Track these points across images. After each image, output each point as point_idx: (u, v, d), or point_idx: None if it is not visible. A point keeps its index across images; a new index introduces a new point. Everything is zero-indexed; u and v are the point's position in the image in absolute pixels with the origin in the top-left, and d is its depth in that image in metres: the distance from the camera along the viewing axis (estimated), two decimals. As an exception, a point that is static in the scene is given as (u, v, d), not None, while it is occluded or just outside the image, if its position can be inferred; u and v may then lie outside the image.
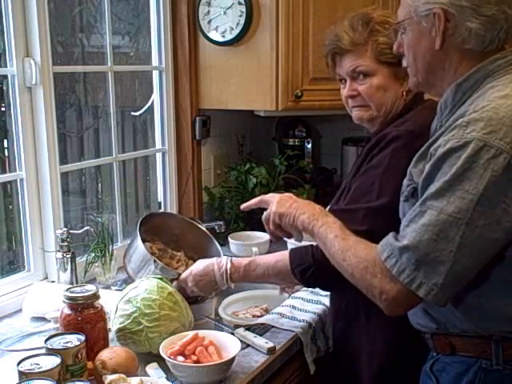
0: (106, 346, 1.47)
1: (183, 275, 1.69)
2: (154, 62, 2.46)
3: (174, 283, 1.67)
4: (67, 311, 1.45)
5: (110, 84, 2.22)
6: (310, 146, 2.88)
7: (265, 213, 1.48)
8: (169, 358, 1.38)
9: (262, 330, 1.67)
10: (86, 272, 2.02)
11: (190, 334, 1.45)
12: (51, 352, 1.31)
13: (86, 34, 2.24)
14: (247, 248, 2.28)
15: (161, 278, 1.59)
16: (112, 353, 1.38)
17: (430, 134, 1.33)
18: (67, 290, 1.48)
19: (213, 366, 1.37)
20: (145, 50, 2.47)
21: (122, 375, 1.30)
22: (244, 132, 2.90)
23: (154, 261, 1.71)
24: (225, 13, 2.31)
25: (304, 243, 1.54)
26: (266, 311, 1.86)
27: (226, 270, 1.63)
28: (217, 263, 1.66)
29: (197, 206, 2.57)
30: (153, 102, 2.50)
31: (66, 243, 1.90)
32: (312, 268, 1.50)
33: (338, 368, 1.70)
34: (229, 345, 1.45)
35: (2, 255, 1.99)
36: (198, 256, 1.85)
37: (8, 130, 1.92)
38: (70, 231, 1.93)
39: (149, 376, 1.40)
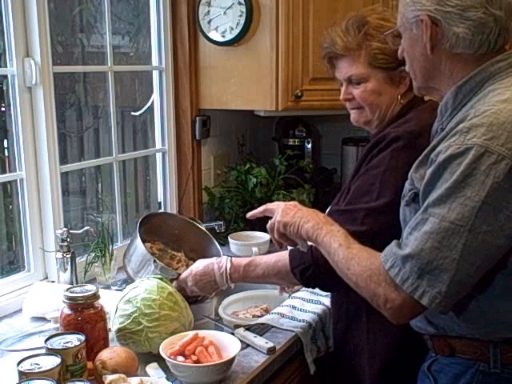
0: (106, 346, 1.47)
1: (183, 275, 1.69)
2: (154, 62, 2.46)
3: (174, 283, 1.67)
4: (67, 311, 1.45)
5: (110, 84, 2.22)
6: (309, 146, 2.87)
7: (270, 221, 1.48)
8: (169, 358, 1.38)
9: (261, 329, 1.67)
10: (86, 272, 2.02)
11: (190, 333, 1.45)
12: (51, 352, 1.31)
13: (86, 33, 2.24)
14: (247, 248, 2.28)
15: (161, 278, 1.59)
16: (112, 353, 1.38)
17: (431, 136, 1.33)
18: (67, 290, 1.48)
19: (213, 366, 1.37)
20: (145, 50, 2.47)
21: (122, 375, 1.30)
22: (244, 132, 2.90)
23: (154, 261, 1.71)
24: (225, 13, 2.31)
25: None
26: (266, 311, 1.86)
27: (226, 269, 1.63)
28: (217, 263, 1.66)
29: (197, 206, 2.57)
30: (153, 101, 2.50)
31: (66, 243, 1.90)
32: (311, 268, 1.49)
33: (339, 368, 1.70)
34: (229, 345, 1.45)
35: (2, 255, 1.99)
36: (198, 256, 1.85)
37: (8, 130, 1.92)
38: (70, 231, 1.93)
39: (149, 376, 1.40)
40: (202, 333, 1.47)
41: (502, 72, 1.19)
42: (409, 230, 1.17)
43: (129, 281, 1.79)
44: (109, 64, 2.22)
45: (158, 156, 2.54)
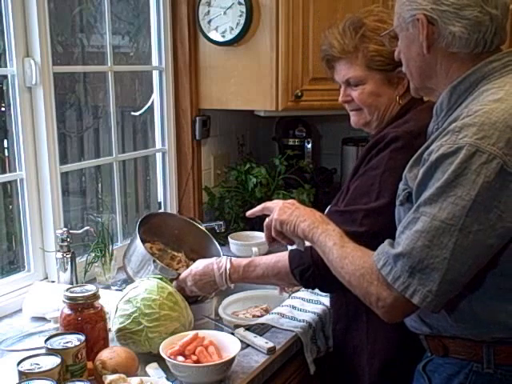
0: (106, 346, 1.47)
1: (182, 275, 1.69)
2: (154, 62, 2.46)
3: (174, 283, 1.67)
4: (67, 311, 1.45)
5: (110, 84, 2.22)
6: (309, 146, 2.87)
7: (267, 219, 1.49)
8: (169, 358, 1.38)
9: (261, 329, 1.67)
10: (86, 272, 2.02)
11: (190, 333, 1.45)
12: (51, 352, 1.31)
13: (86, 33, 2.24)
14: (247, 248, 2.28)
15: (161, 278, 1.59)
16: (112, 353, 1.38)
17: (427, 137, 1.33)
18: (67, 290, 1.48)
19: (213, 366, 1.37)
20: (145, 50, 2.47)
21: (122, 375, 1.30)
22: (244, 132, 2.90)
23: (154, 261, 1.71)
24: (225, 13, 2.31)
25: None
26: (266, 311, 1.86)
27: (226, 270, 1.63)
28: (216, 263, 1.66)
29: (197, 206, 2.57)
30: (153, 101, 2.50)
31: (66, 243, 1.90)
32: (311, 269, 1.49)
33: (339, 368, 1.70)
34: (229, 345, 1.45)
35: (2, 255, 1.99)
36: (198, 256, 1.85)
37: (8, 130, 1.92)
38: (70, 231, 1.93)
39: (149, 376, 1.40)
40: (201, 333, 1.47)
41: (496, 72, 1.20)
42: (401, 229, 1.17)
43: (129, 281, 1.79)
44: (109, 64, 2.22)
45: (158, 156, 2.54)
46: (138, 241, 1.75)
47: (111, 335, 1.53)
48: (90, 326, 1.44)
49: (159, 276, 1.61)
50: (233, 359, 1.41)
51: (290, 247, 1.52)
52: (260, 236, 2.39)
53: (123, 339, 1.51)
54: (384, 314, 1.20)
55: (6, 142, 1.96)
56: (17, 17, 1.82)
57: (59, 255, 1.91)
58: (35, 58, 1.86)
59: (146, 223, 1.86)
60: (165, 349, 1.41)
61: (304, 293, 1.91)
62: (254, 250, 2.23)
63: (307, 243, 1.44)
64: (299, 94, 2.32)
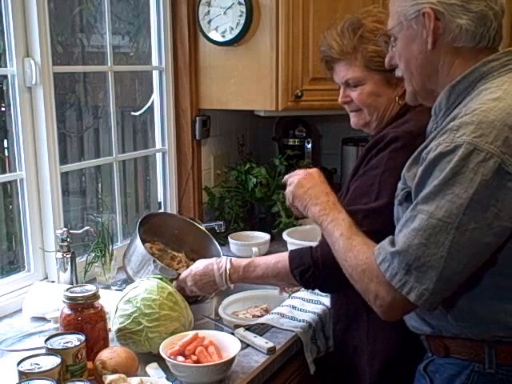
0: (106, 346, 1.47)
1: (182, 275, 1.69)
2: (154, 62, 2.46)
3: (174, 283, 1.67)
4: (67, 311, 1.45)
5: (110, 84, 2.22)
6: (309, 146, 2.87)
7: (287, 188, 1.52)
8: (169, 358, 1.38)
9: (261, 330, 1.67)
10: (86, 272, 2.02)
11: (190, 333, 1.45)
12: (51, 352, 1.31)
13: (86, 33, 2.24)
14: (247, 248, 2.28)
15: (161, 278, 1.59)
16: (112, 353, 1.38)
17: (426, 136, 1.33)
18: (67, 290, 1.48)
19: (213, 366, 1.37)
20: (145, 50, 2.47)
21: (122, 375, 1.30)
22: (244, 132, 2.90)
23: (154, 261, 1.71)
24: (225, 13, 2.31)
25: (304, 244, 1.54)
26: (266, 311, 1.86)
27: (226, 270, 1.63)
28: (216, 263, 1.66)
29: (197, 206, 2.57)
30: (153, 101, 2.50)
31: (66, 243, 1.90)
32: (311, 269, 1.49)
33: (339, 368, 1.70)
34: (229, 345, 1.45)
35: (2, 255, 1.99)
36: (198, 256, 1.85)
37: (8, 130, 1.92)
38: (70, 231, 1.93)
39: (149, 376, 1.40)
40: (202, 333, 1.47)
41: (495, 71, 1.20)
42: (399, 227, 1.18)
43: (129, 281, 1.79)
44: (109, 64, 2.22)
45: (158, 156, 2.54)
46: (138, 241, 1.75)
47: (111, 335, 1.53)
48: (90, 326, 1.44)
49: (159, 276, 1.61)
50: (233, 359, 1.41)
51: (289, 247, 1.53)
52: (260, 236, 2.39)
53: (123, 339, 1.51)
54: (382, 312, 1.20)
55: (6, 141, 1.96)
56: (17, 17, 1.82)
57: (59, 255, 1.91)
58: (35, 58, 1.86)
59: (146, 223, 1.86)
60: (165, 349, 1.41)
61: (304, 293, 1.91)
62: (254, 250, 2.23)
63: (305, 240, 1.44)
64: (299, 93, 2.32)
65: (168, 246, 1.92)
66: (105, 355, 1.38)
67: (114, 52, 2.24)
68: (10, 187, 1.98)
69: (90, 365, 1.38)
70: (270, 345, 1.56)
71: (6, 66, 1.85)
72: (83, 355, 1.35)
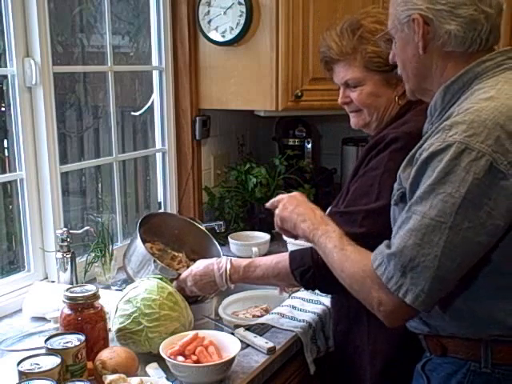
0: (106, 346, 1.47)
1: (183, 275, 1.69)
2: (154, 62, 2.46)
3: (174, 283, 1.67)
4: (67, 311, 1.45)
5: (110, 84, 2.22)
6: (309, 146, 2.87)
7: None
8: (169, 358, 1.38)
9: (261, 330, 1.67)
10: (86, 272, 2.02)
11: (190, 333, 1.45)
12: (51, 352, 1.31)
13: (86, 33, 2.24)
14: (247, 248, 2.28)
15: (161, 278, 1.59)
16: (112, 353, 1.38)
17: (422, 137, 1.34)
18: (67, 290, 1.48)
19: (213, 366, 1.37)
20: (145, 50, 2.47)
21: (122, 375, 1.30)
22: (244, 132, 2.90)
23: (154, 261, 1.71)
24: (225, 13, 2.31)
25: (304, 244, 1.54)
26: (266, 311, 1.86)
27: (226, 270, 1.63)
28: (216, 263, 1.66)
29: (197, 206, 2.57)
30: (153, 101, 2.50)
31: (66, 243, 1.90)
32: (312, 270, 1.50)
33: (339, 368, 1.70)
34: (229, 345, 1.45)
35: (2, 255, 1.99)
36: (198, 256, 1.85)
37: (8, 129, 1.92)
38: (70, 231, 1.93)
39: (149, 376, 1.40)
40: (202, 333, 1.47)
41: (489, 71, 1.21)
42: (396, 229, 1.18)
43: (129, 281, 1.79)
44: (109, 64, 2.22)
45: (158, 156, 2.54)
46: (139, 241, 1.75)
47: (111, 335, 1.53)
48: (90, 326, 1.44)
49: (159, 276, 1.61)
50: (233, 359, 1.41)
51: (290, 247, 1.53)
52: (260, 236, 2.39)
53: (123, 339, 1.51)
54: (384, 318, 1.20)
55: (6, 141, 1.96)
56: (17, 17, 1.82)
57: (59, 255, 1.91)
58: (35, 58, 1.86)
59: (146, 223, 1.86)
60: (165, 349, 1.41)
61: (304, 293, 1.91)
62: (254, 250, 2.23)
63: (307, 244, 1.44)
64: (299, 93, 2.32)
65: (168, 246, 1.92)
66: (105, 355, 1.38)
67: (114, 52, 2.24)
68: (10, 187, 1.98)
69: (90, 365, 1.38)
70: (270, 345, 1.56)
71: (6, 66, 1.85)
72: (83, 355, 1.35)
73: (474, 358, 1.23)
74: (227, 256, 1.75)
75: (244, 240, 2.37)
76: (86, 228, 2.03)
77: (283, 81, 2.30)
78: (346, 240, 1.31)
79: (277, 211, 1.48)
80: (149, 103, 2.50)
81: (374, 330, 1.55)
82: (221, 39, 2.36)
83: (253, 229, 2.51)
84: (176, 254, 1.91)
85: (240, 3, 2.27)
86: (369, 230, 1.43)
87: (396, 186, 1.28)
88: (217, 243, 1.95)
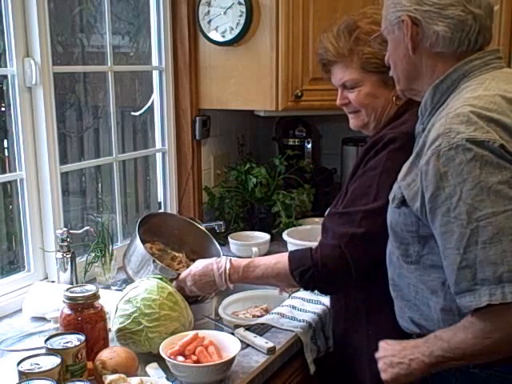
0: (106, 346, 1.47)
1: (182, 275, 1.69)
2: (154, 62, 2.46)
3: (174, 283, 1.67)
4: (67, 311, 1.45)
5: (110, 84, 2.22)
6: (309, 146, 2.87)
7: None
8: (169, 358, 1.38)
9: (261, 330, 1.67)
10: (86, 272, 2.02)
11: (190, 333, 1.45)
12: (51, 352, 1.31)
13: (86, 33, 2.24)
14: (247, 248, 2.28)
15: (161, 278, 1.59)
16: (112, 353, 1.38)
17: (415, 137, 1.35)
18: (67, 290, 1.48)
19: (213, 366, 1.37)
20: (145, 50, 2.46)
21: (122, 375, 1.30)
22: (244, 132, 2.90)
23: (154, 261, 1.71)
24: (225, 13, 2.31)
25: (304, 244, 1.54)
26: (266, 311, 1.86)
27: (225, 270, 1.63)
28: (216, 263, 1.66)
29: (197, 206, 2.57)
30: (153, 101, 2.50)
31: (66, 243, 1.90)
32: (311, 270, 1.50)
33: (339, 368, 1.70)
34: (229, 345, 1.45)
35: (2, 255, 1.99)
36: (198, 256, 1.85)
37: (8, 129, 1.92)
38: (70, 231, 1.93)
39: (149, 376, 1.40)
40: (202, 333, 1.47)
41: (477, 70, 1.22)
42: (462, 252, 1.09)
43: (129, 281, 1.79)
44: (109, 64, 2.22)
45: (158, 156, 2.54)
46: (138, 241, 1.74)
47: (111, 335, 1.53)
48: (90, 326, 1.44)
49: (159, 276, 1.61)
50: (233, 359, 1.41)
51: (290, 247, 1.53)
52: (260, 236, 2.39)
53: (123, 339, 1.51)
54: None
55: (6, 141, 1.96)
56: (17, 17, 1.82)
57: (59, 255, 1.91)
58: (35, 58, 1.86)
59: (146, 223, 1.86)
60: (165, 349, 1.41)
61: (304, 293, 1.90)
62: (254, 250, 2.23)
63: (305, 241, 1.44)
64: (299, 93, 2.32)
65: (168, 246, 1.92)
66: (105, 355, 1.38)
67: (114, 52, 2.24)
68: (10, 187, 1.98)
69: (90, 365, 1.38)
70: (270, 345, 1.56)
71: (6, 66, 1.85)
72: (83, 355, 1.35)
73: None
74: (227, 256, 1.75)
75: (244, 240, 2.37)
76: (86, 228, 2.03)
77: (283, 81, 2.30)
78: None
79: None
80: (149, 103, 2.50)
81: (373, 331, 1.55)
82: (221, 39, 2.36)
83: (253, 229, 2.51)
84: (176, 254, 1.91)
85: (240, 3, 2.27)
86: (368, 230, 1.43)
87: (396, 189, 1.28)
88: (217, 243, 1.95)
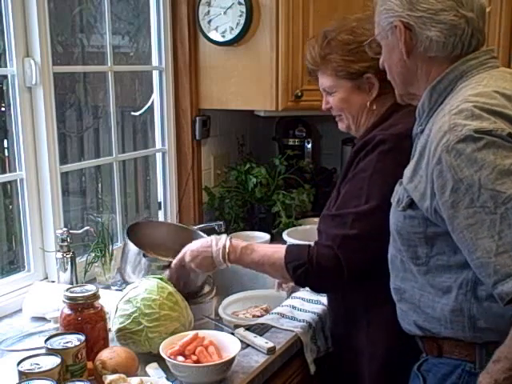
0: (106, 346, 1.47)
1: (181, 252, 1.68)
2: (154, 62, 2.46)
3: (166, 272, 1.67)
4: (67, 311, 1.45)
5: (110, 84, 2.22)
6: (309, 146, 2.88)
7: None
8: (169, 358, 1.38)
9: (261, 330, 1.67)
10: (86, 272, 2.02)
11: (190, 333, 1.45)
12: (51, 352, 1.31)
13: (86, 33, 2.24)
14: (247, 248, 2.28)
15: (161, 278, 1.59)
16: (112, 353, 1.38)
17: (412, 139, 1.35)
18: (67, 290, 1.48)
19: (213, 366, 1.37)
20: (145, 50, 2.46)
21: (122, 375, 1.30)
22: (244, 132, 2.90)
23: (144, 254, 1.72)
24: (225, 13, 2.31)
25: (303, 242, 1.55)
26: (266, 311, 1.86)
27: (225, 247, 1.62)
28: (216, 239, 1.65)
29: (197, 206, 2.57)
30: (153, 101, 2.50)
31: (66, 243, 1.90)
32: (305, 266, 1.50)
33: (339, 368, 1.70)
34: (229, 345, 1.45)
35: (2, 255, 1.99)
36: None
37: (8, 130, 1.92)
38: (70, 231, 1.93)
39: (149, 376, 1.40)
40: (202, 333, 1.47)
41: (473, 70, 1.23)
42: (497, 238, 1.06)
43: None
44: (109, 64, 2.22)
45: (158, 156, 2.54)
46: (128, 242, 1.76)
47: (111, 335, 1.53)
48: (90, 326, 1.44)
49: (159, 276, 1.61)
50: (233, 359, 1.41)
51: (289, 242, 1.54)
52: (260, 236, 2.39)
53: (123, 339, 1.51)
54: None
55: (6, 141, 1.96)
56: (17, 17, 1.82)
57: (59, 255, 1.91)
58: (35, 58, 1.86)
59: (135, 235, 1.85)
60: (165, 349, 1.41)
61: (304, 293, 1.90)
62: (254, 250, 2.22)
63: (304, 239, 1.45)
64: (299, 94, 2.32)
65: (159, 254, 1.92)
66: (105, 355, 1.38)
67: (114, 52, 2.24)
68: (10, 187, 1.98)
69: (90, 365, 1.38)
70: (270, 345, 1.56)
71: (6, 66, 1.85)
72: (83, 355, 1.35)
73: (469, 359, 1.23)
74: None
75: (244, 240, 2.37)
76: (86, 228, 2.03)
77: (283, 81, 2.30)
78: None
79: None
80: (149, 103, 2.50)
81: (372, 332, 1.56)
82: (221, 39, 2.36)
83: (253, 229, 2.51)
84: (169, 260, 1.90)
85: (240, 3, 2.27)
86: (360, 232, 1.45)
87: (401, 191, 1.27)
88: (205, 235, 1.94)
